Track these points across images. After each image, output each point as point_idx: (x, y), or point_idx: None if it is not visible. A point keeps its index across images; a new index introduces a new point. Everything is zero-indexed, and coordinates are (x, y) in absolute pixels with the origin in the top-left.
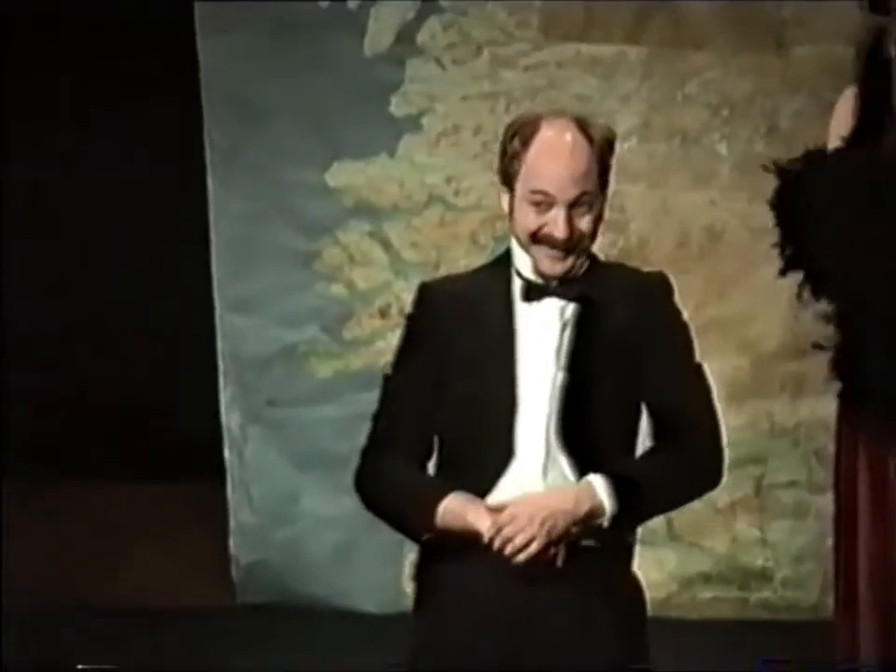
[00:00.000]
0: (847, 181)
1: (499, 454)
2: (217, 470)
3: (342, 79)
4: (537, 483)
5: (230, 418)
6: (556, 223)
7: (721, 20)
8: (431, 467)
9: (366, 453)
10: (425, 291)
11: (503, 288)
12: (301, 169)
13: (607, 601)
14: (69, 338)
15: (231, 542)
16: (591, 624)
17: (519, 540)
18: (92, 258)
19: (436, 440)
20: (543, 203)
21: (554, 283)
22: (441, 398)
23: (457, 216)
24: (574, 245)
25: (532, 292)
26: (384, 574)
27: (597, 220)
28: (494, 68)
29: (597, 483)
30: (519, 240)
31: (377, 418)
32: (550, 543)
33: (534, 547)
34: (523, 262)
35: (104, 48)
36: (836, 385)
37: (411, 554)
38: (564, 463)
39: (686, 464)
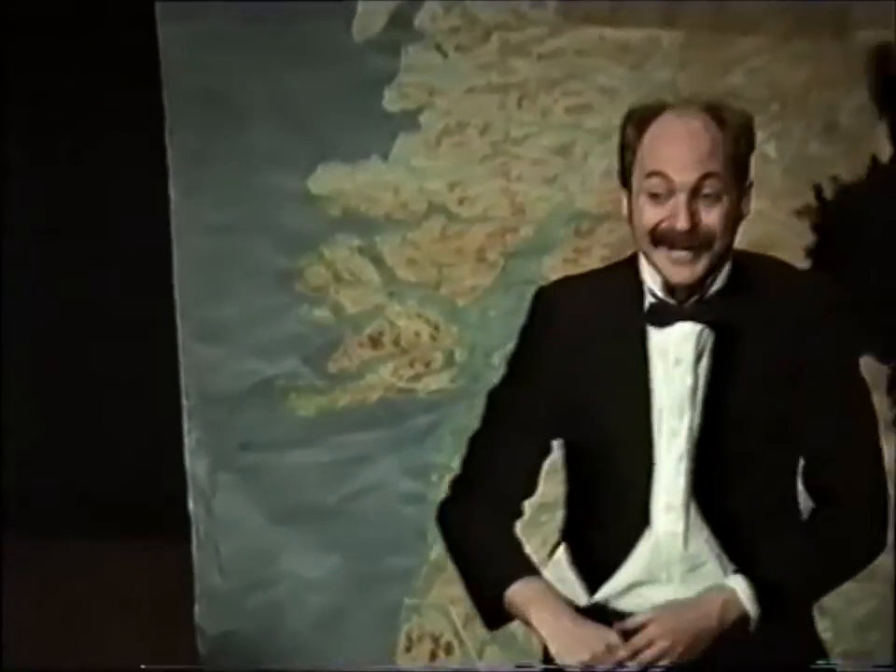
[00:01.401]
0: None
1: (634, 520)
2: (180, 526)
3: (326, 70)
4: (675, 556)
5: (195, 465)
6: (677, 213)
7: None
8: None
9: (455, 485)
10: (542, 297)
11: (632, 306)
12: (280, 174)
13: None
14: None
15: (197, 610)
16: None
17: (663, 664)
18: (34, 278)
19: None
20: (662, 193)
21: (690, 302)
22: (556, 432)
23: (462, 228)
24: (701, 242)
25: (659, 313)
26: (375, 646)
27: (732, 218)
28: (504, 56)
29: (741, 589)
30: (641, 248)
31: (474, 441)
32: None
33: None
34: (650, 278)
35: (48, 30)
36: None
37: (406, 624)
38: (705, 532)
39: (844, 541)
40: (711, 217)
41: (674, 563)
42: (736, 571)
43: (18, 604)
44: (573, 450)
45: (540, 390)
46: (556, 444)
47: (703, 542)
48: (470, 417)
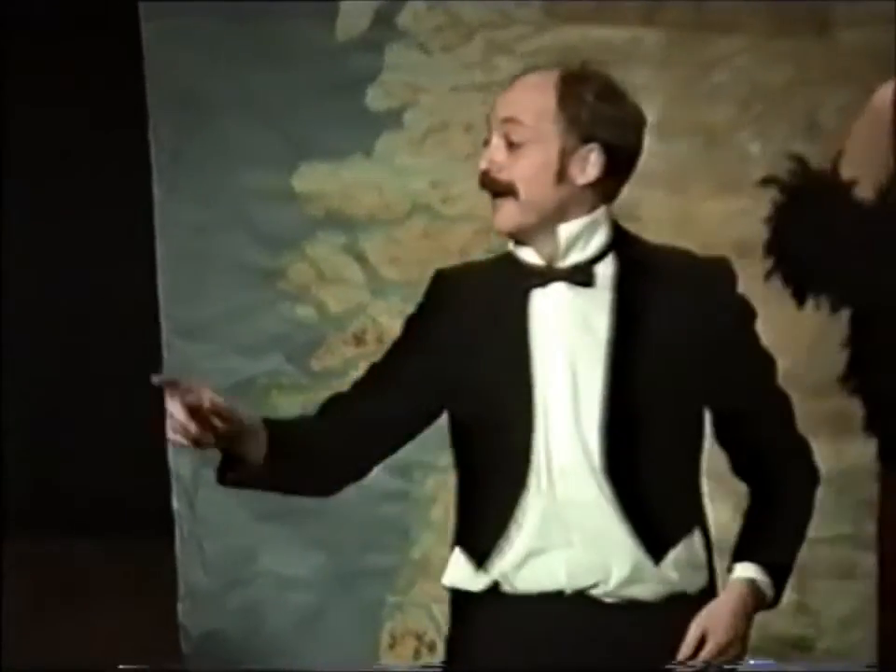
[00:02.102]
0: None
1: (520, 488)
2: (163, 523)
3: (309, 68)
4: (574, 521)
5: (178, 462)
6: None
7: None
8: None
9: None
10: (438, 277)
11: (515, 277)
12: (263, 172)
13: None
14: None
15: (180, 608)
16: None
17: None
18: (21, 275)
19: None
20: (489, 138)
21: (563, 267)
22: (438, 402)
23: (445, 226)
24: (503, 186)
25: (529, 276)
26: (358, 644)
27: (546, 171)
28: (488, 55)
29: (761, 580)
30: None
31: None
32: None
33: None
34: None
35: (34, 29)
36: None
37: (389, 622)
38: (607, 496)
39: (801, 500)
40: (515, 164)
41: (573, 528)
42: (740, 558)
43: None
44: (459, 425)
45: (422, 358)
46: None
47: (605, 506)
48: None
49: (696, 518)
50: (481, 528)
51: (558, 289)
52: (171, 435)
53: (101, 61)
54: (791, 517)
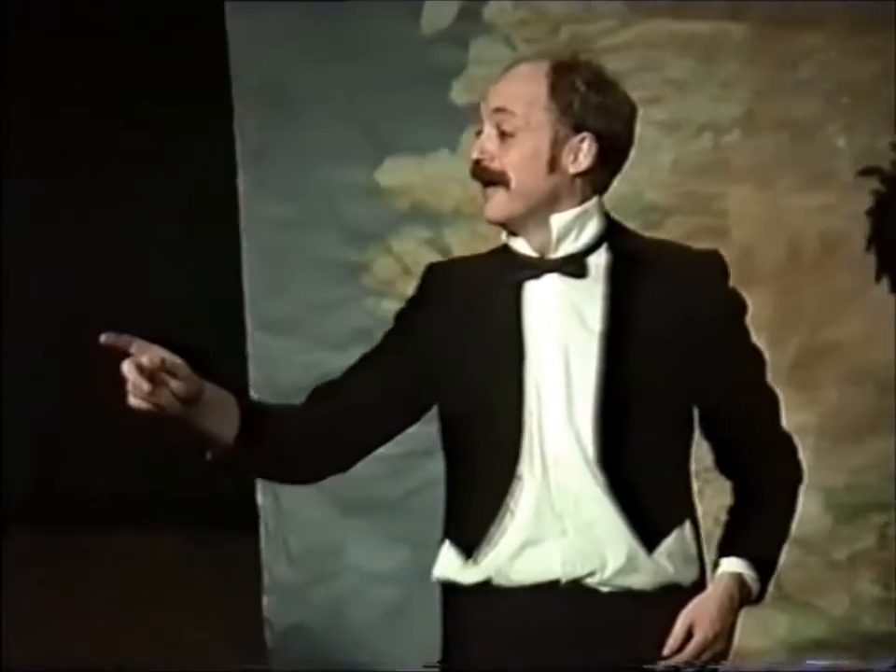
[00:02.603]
0: None
1: (510, 479)
2: (249, 518)
3: (394, 63)
4: (568, 508)
5: None
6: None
7: None
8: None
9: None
10: (431, 270)
11: (508, 268)
12: (348, 167)
13: None
14: (81, 364)
15: (265, 602)
16: None
17: (708, 657)
18: (106, 270)
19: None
20: (482, 129)
21: (555, 257)
22: (427, 398)
23: None
24: (492, 176)
25: (522, 266)
26: (440, 639)
27: (538, 161)
28: (573, 48)
29: (747, 573)
30: None
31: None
32: None
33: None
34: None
35: (122, 29)
36: None
37: None
38: (600, 483)
39: (784, 496)
40: (506, 154)
41: (567, 518)
42: (726, 553)
43: (76, 599)
44: (450, 417)
45: (411, 350)
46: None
47: (599, 495)
48: None
49: (687, 510)
50: (472, 520)
51: (551, 281)
52: (130, 400)
53: (188, 57)
54: (776, 513)
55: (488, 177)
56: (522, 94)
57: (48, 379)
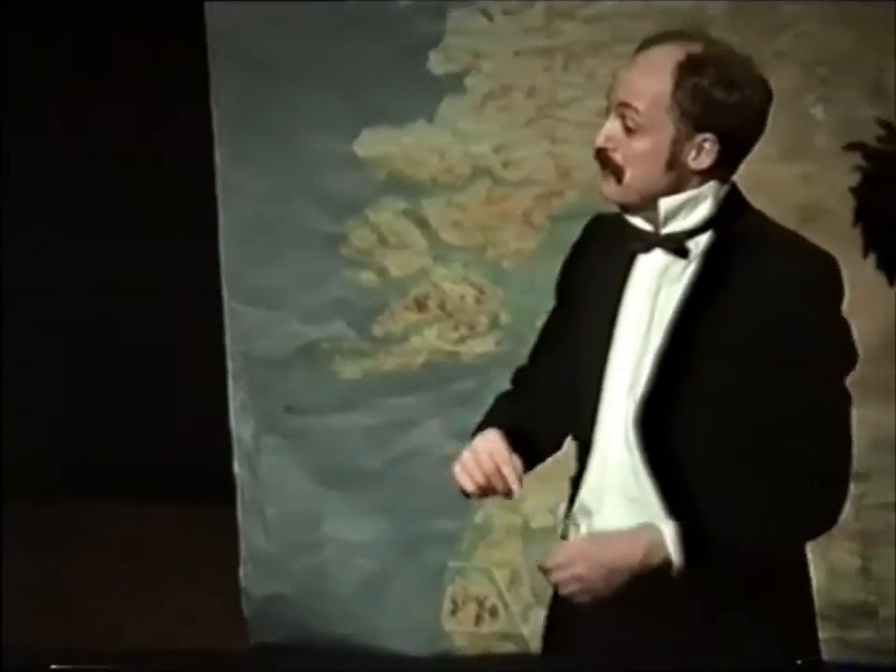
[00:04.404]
0: None
1: (586, 445)
2: (226, 489)
3: (372, 33)
4: (615, 484)
5: (241, 428)
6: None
7: None
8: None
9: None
10: (589, 223)
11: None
12: (326, 138)
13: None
14: (65, 338)
15: (243, 573)
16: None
17: (571, 589)
18: (85, 244)
19: None
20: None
21: (664, 233)
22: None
23: (507, 191)
24: (611, 166)
25: (632, 238)
26: (420, 609)
27: (656, 160)
28: (550, 19)
29: (669, 534)
30: None
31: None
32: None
33: (587, 598)
34: None
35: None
36: None
37: (451, 587)
38: (645, 465)
39: (794, 505)
40: (636, 144)
41: (615, 491)
42: (670, 515)
43: (59, 572)
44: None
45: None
46: None
47: (643, 475)
48: None
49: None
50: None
51: (656, 256)
52: (459, 475)
53: (163, 27)
54: (760, 505)
55: (608, 165)
56: (646, 90)
57: (31, 349)
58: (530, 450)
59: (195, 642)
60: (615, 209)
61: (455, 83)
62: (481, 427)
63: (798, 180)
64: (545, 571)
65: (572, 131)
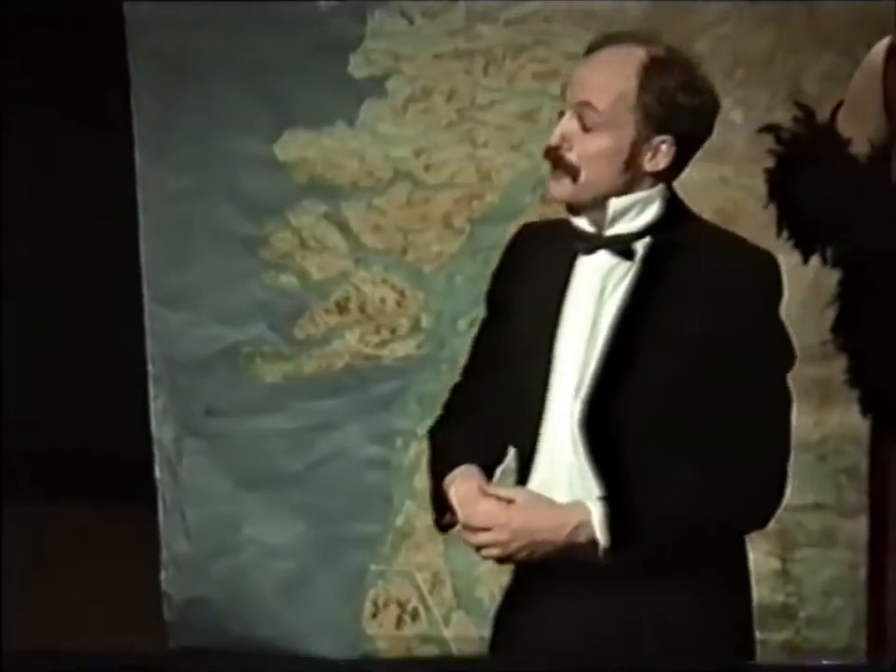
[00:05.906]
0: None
1: (532, 438)
2: (146, 492)
3: (292, 35)
4: (562, 492)
5: (161, 431)
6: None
7: None
8: None
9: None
10: (516, 233)
11: (569, 239)
12: (246, 139)
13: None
14: None
15: (164, 576)
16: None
17: (492, 553)
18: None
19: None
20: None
21: (608, 235)
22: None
23: (428, 194)
24: (563, 165)
25: (578, 239)
26: (341, 612)
27: (613, 160)
28: (470, 22)
29: (597, 516)
30: None
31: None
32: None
33: (504, 563)
34: None
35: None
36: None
37: (372, 590)
38: (588, 471)
39: (727, 496)
40: (585, 147)
41: (562, 495)
42: (602, 498)
43: None
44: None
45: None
46: None
47: (589, 476)
48: (436, 384)
49: None
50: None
51: (600, 257)
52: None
53: (81, 27)
54: (695, 493)
55: (561, 165)
56: (609, 89)
57: None
58: (488, 470)
59: (115, 646)
60: (535, 216)
61: (375, 86)
62: (449, 466)
63: (716, 183)
64: (469, 530)
65: (493, 134)
